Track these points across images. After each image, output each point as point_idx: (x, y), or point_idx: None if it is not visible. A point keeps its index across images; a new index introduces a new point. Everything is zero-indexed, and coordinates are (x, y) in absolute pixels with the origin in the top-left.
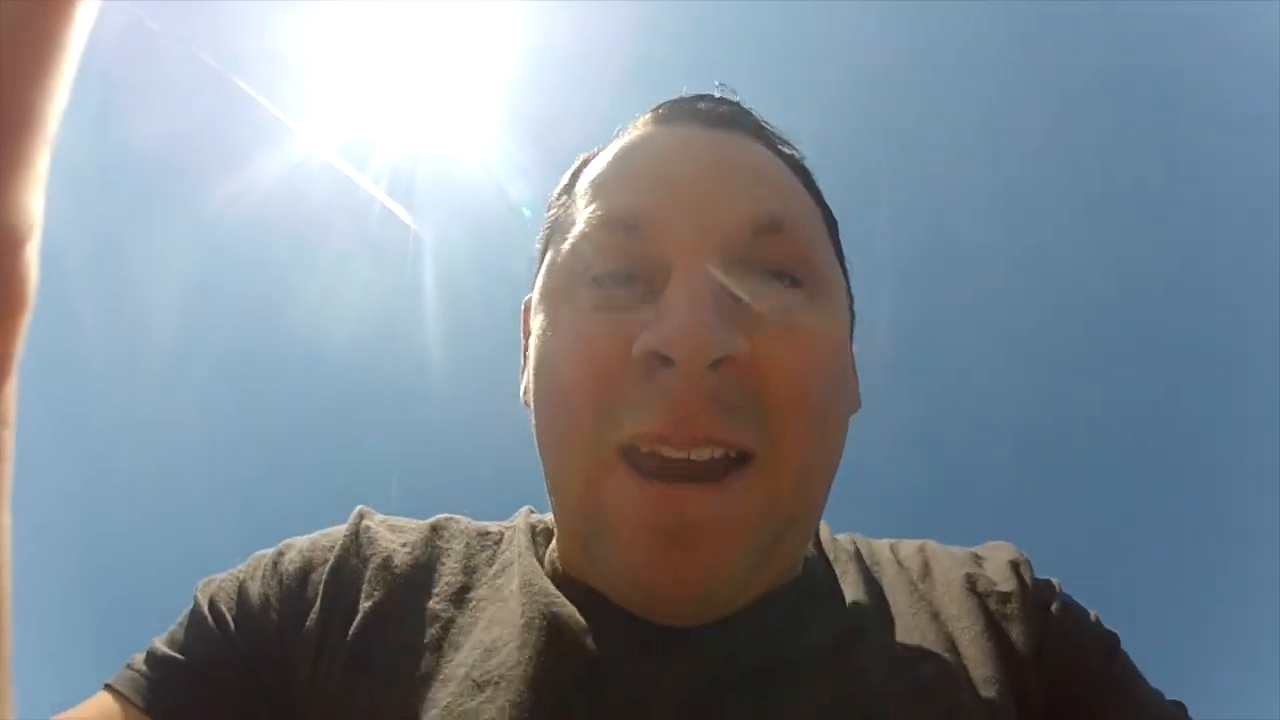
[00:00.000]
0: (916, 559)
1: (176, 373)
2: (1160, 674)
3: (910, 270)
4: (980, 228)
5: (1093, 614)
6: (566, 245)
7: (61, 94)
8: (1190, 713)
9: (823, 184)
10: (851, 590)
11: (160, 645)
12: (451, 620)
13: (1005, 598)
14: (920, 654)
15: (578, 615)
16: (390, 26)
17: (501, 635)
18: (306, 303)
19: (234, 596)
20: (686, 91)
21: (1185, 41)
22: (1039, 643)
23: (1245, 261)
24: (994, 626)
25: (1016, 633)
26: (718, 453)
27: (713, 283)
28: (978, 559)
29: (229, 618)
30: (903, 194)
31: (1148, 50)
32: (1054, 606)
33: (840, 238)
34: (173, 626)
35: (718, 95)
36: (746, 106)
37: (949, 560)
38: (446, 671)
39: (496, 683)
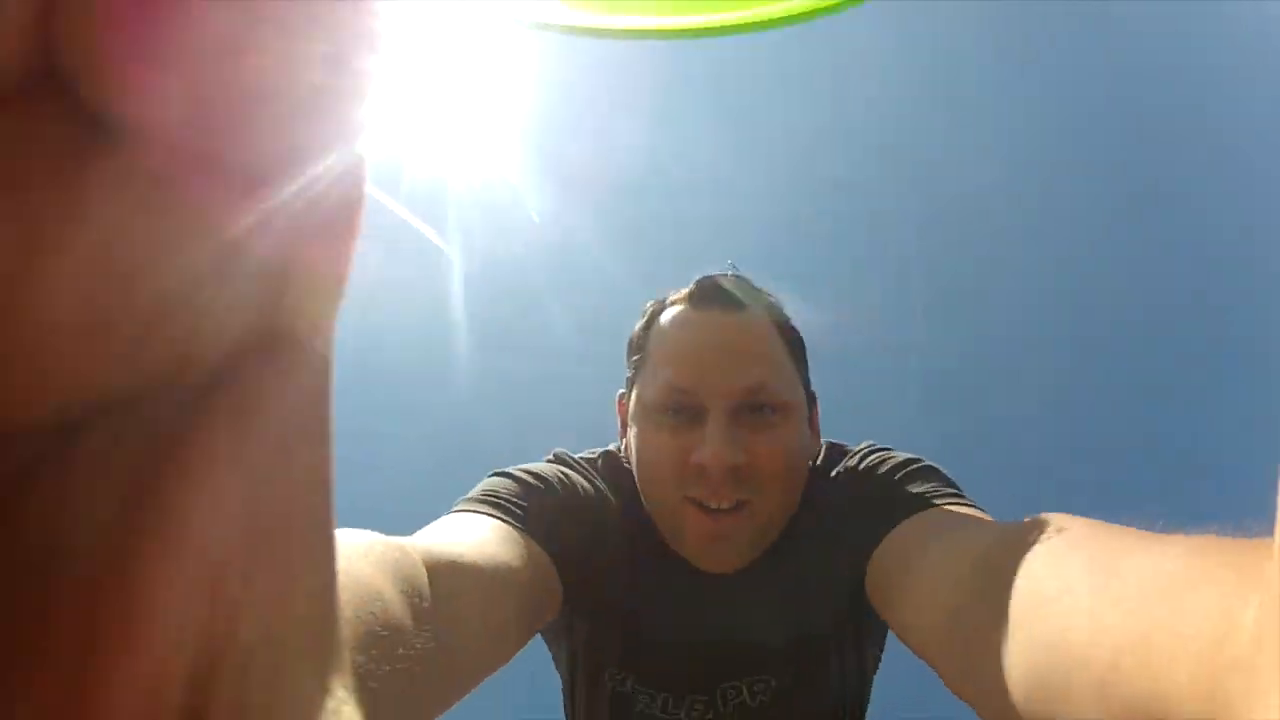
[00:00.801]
0: (848, 484)
1: None
2: None
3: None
4: (991, 229)
5: (897, 457)
6: (651, 391)
7: None
8: None
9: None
10: (795, 544)
11: (515, 480)
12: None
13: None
14: (798, 562)
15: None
16: (417, 45)
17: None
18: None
19: (560, 484)
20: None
21: (1200, 42)
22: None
23: (1248, 261)
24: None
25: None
26: (731, 503)
27: (726, 425)
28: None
29: (559, 493)
30: (912, 195)
31: (1159, 52)
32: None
33: (805, 353)
34: (504, 480)
35: (731, 276)
36: (753, 286)
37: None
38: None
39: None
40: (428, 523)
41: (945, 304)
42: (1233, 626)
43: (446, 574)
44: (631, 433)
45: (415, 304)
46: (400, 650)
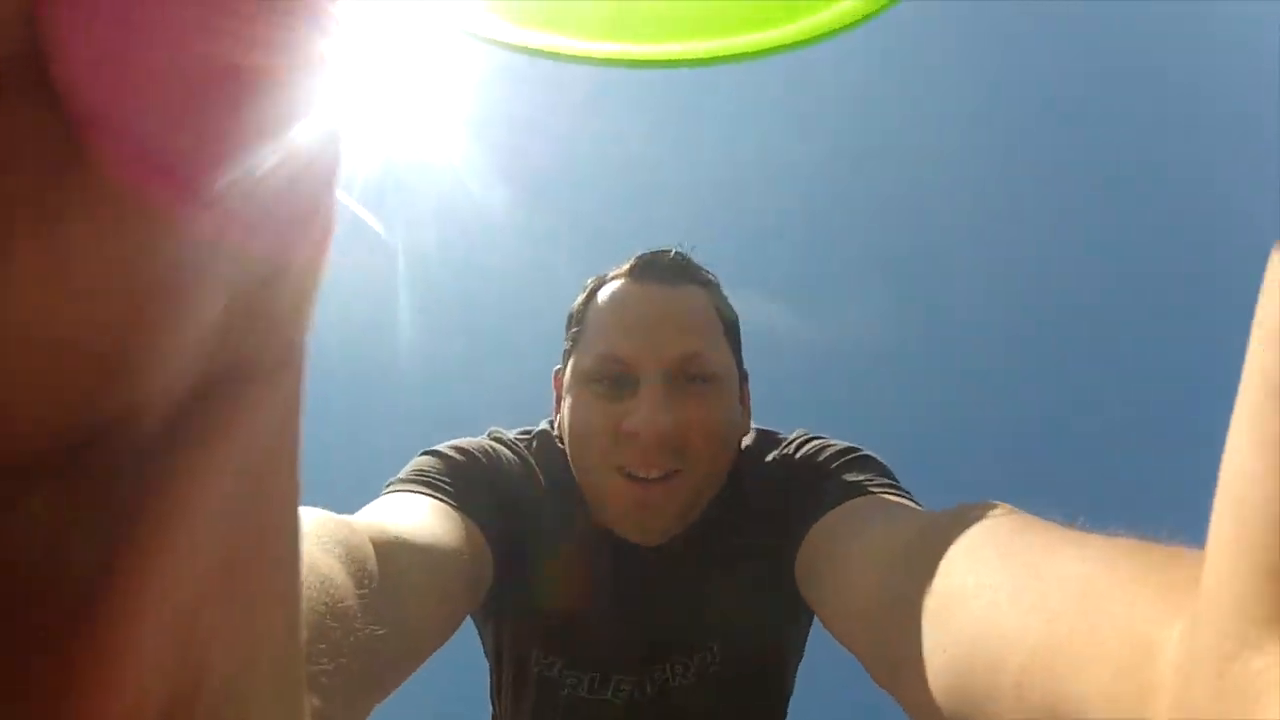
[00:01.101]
0: (780, 469)
1: None
2: None
3: (905, 272)
4: (972, 230)
5: (835, 445)
6: (587, 360)
7: None
8: None
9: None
10: (724, 523)
11: (443, 459)
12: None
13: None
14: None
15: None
16: (359, 32)
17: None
18: None
19: (487, 460)
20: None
21: (1180, 43)
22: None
23: (1244, 259)
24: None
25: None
26: (661, 471)
27: (660, 392)
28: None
29: (486, 470)
30: (895, 198)
31: (1142, 53)
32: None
33: (740, 333)
34: (434, 459)
35: (675, 253)
36: (693, 260)
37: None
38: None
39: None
40: (356, 491)
41: (912, 299)
42: (1152, 647)
43: (393, 552)
44: (565, 404)
45: (357, 293)
46: (351, 639)
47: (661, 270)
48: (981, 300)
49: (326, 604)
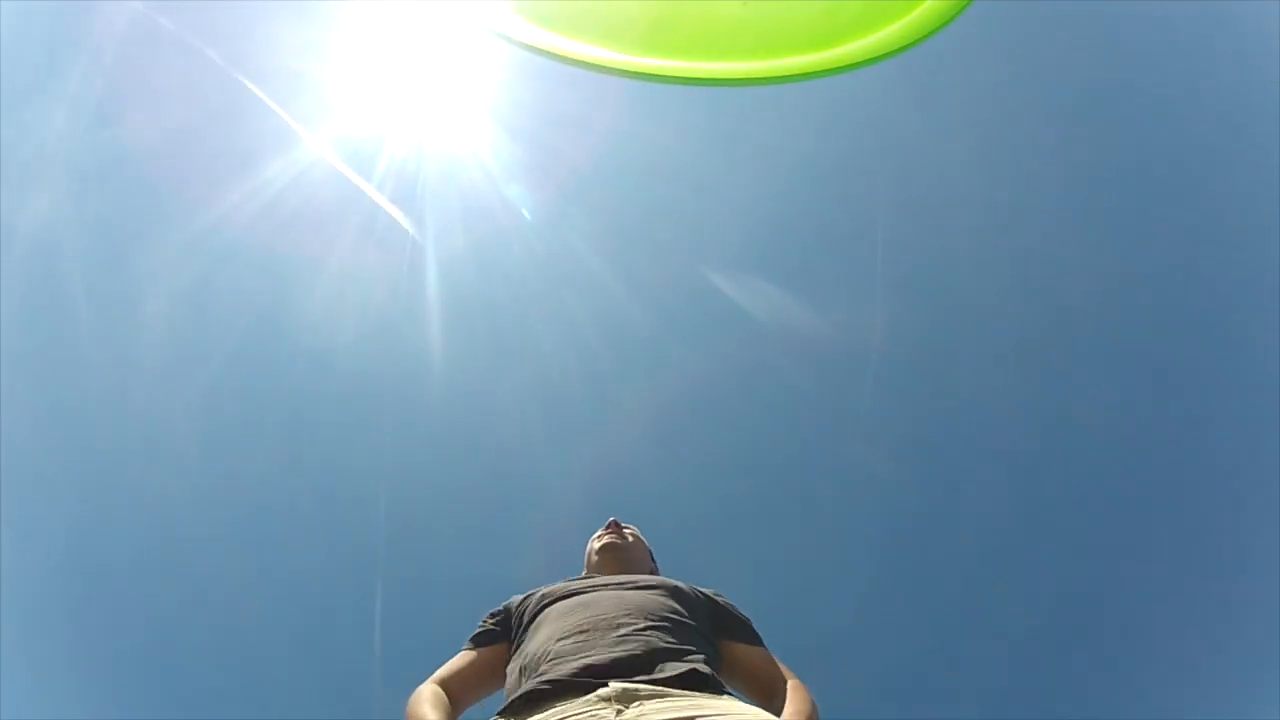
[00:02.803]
0: None
1: (176, 374)
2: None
3: (910, 279)
4: (976, 236)
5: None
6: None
7: None
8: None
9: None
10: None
11: (479, 627)
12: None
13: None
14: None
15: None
16: (396, 34)
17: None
18: (307, 305)
19: (500, 608)
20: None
21: (1183, 46)
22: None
23: (1244, 264)
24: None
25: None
26: (617, 538)
27: (616, 521)
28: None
29: (502, 606)
30: (900, 205)
31: (1146, 57)
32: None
33: (654, 555)
34: (479, 623)
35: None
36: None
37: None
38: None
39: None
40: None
41: (920, 302)
42: None
43: (452, 685)
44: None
45: (387, 288)
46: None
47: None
48: (991, 303)
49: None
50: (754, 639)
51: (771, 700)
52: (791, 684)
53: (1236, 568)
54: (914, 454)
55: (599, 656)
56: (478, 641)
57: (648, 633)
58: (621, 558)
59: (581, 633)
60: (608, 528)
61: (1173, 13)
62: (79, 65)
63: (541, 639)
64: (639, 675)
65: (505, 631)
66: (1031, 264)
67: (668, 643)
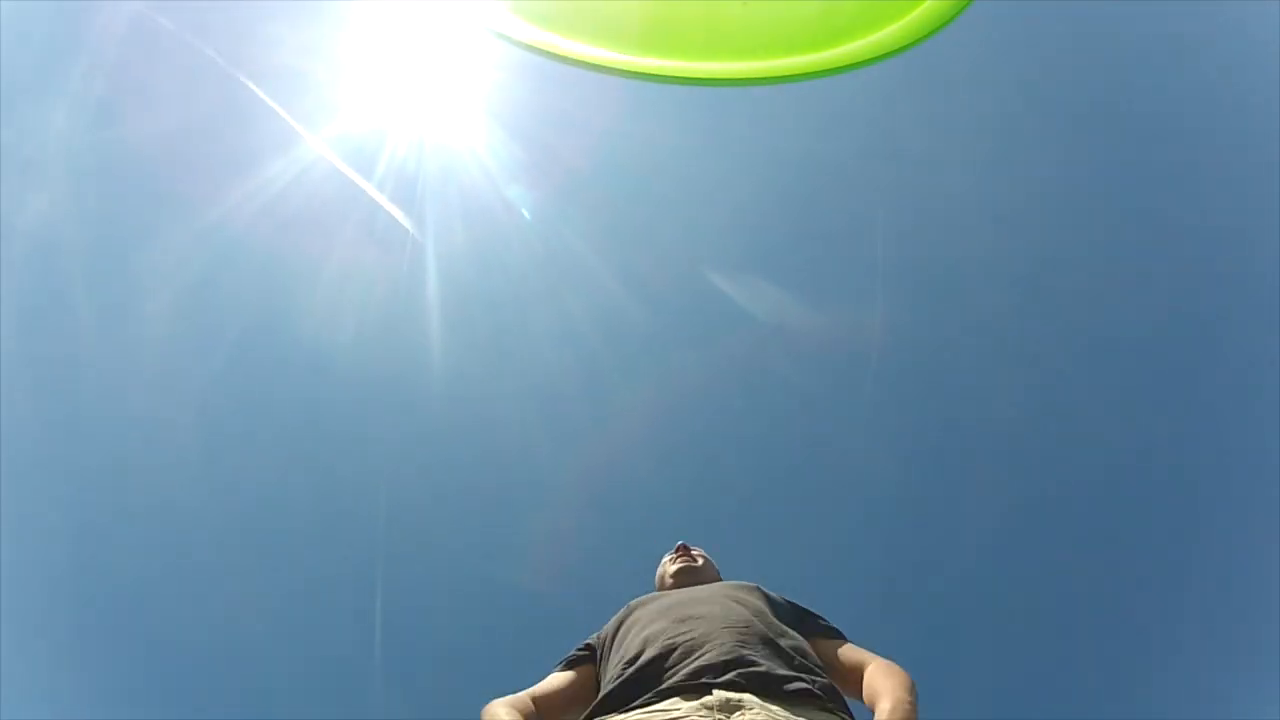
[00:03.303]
0: None
1: (177, 372)
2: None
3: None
4: (981, 240)
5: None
6: (659, 574)
7: None
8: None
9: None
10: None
11: (573, 653)
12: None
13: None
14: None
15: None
16: (396, 34)
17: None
18: (308, 304)
19: (593, 639)
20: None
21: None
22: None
23: (1244, 264)
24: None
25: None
26: (689, 561)
27: (685, 545)
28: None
29: (595, 636)
30: (904, 209)
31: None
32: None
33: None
34: (573, 651)
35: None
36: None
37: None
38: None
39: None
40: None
41: (922, 302)
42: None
43: (539, 701)
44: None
45: (387, 286)
46: None
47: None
48: (993, 304)
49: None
50: (840, 634)
51: (871, 688)
52: (883, 663)
53: (1237, 568)
54: (914, 454)
55: (707, 658)
56: (569, 664)
57: (753, 642)
58: (697, 580)
59: (684, 625)
60: (678, 551)
61: (1173, 12)
62: (79, 64)
63: (638, 637)
64: (747, 682)
65: (593, 655)
66: (1032, 264)
67: (772, 652)
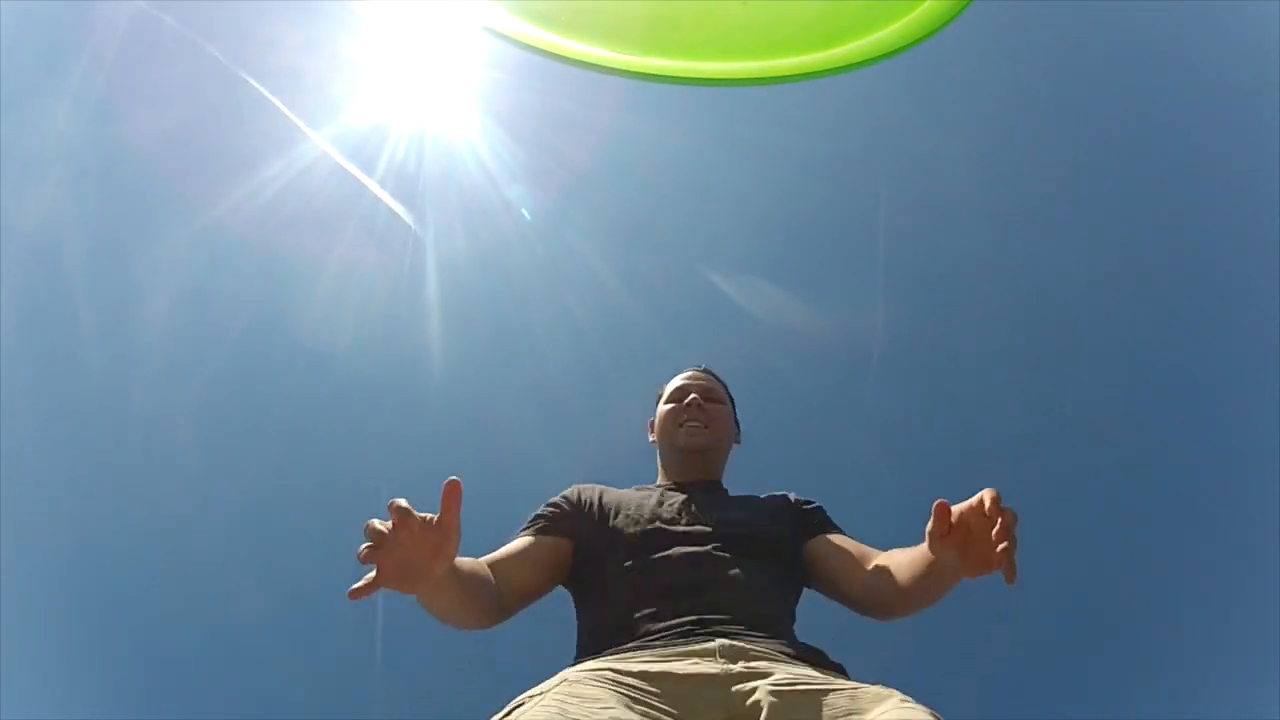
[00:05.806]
0: None
1: (177, 371)
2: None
3: (911, 279)
4: (979, 237)
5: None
6: (665, 393)
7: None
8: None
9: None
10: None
11: (539, 512)
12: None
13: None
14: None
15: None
16: (397, 33)
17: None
18: (309, 302)
19: (563, 499)
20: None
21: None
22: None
23: (1245, 263)
24: (782, 502)
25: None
26: (700, 423)
27: (699, 400)
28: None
29: (564, 497)
30: (903, 205)
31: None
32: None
33: (734, 400)
34: (539, 510)
35: (705, 367)
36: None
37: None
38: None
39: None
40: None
41: (922, 302)
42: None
43: (499, 562)
44: (656, 415)
45: (388, 282)
46: (487, 585)
47: (697, 369)
48: (990, 301)
49: (479, 574)
50: (837, 528)
51: (880, 573)
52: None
53: (1237, 567)
54: (914, 454)
55: (704, 613)
56: (538, 530)
57: (769, 618)
58: (706, 459)
59: (672, 588)
60: (687, 406)
61: (1174, 12)
62: (80, 62)
63: (625, 592)
64: (749, 634)
65: (570, 526)
66: (1033, 264)
67: (767, 609)
